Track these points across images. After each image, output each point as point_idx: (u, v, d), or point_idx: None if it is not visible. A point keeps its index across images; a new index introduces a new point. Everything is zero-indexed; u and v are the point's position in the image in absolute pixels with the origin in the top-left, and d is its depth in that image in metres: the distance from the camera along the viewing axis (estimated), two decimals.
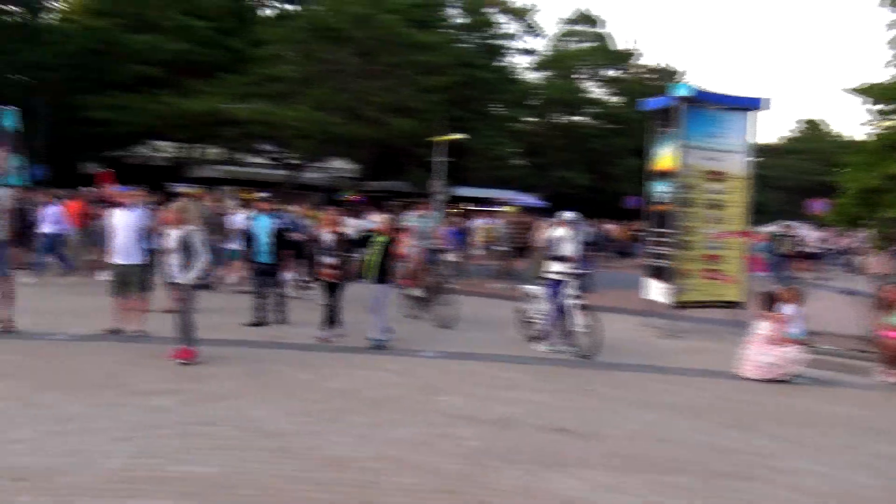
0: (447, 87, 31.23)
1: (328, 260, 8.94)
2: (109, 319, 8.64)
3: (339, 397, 6.46)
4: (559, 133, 44.57)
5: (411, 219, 11.52)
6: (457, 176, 36.40)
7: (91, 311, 9.65)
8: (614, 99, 47.37)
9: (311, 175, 33.99)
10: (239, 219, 13.06)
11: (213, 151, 34.75)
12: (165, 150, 35.37)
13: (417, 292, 11.04)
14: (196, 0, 32.98)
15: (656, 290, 11.43)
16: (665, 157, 11.29)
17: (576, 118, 45.09)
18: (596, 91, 47.23)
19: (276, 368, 7.42)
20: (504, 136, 37.95)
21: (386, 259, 8.85)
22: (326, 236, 9.10)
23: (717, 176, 11.25)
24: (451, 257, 11.95)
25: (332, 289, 9.01)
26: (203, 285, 12.59)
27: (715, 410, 6.89)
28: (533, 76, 46.02)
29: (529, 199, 38.81)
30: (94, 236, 13.62)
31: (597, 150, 43.51)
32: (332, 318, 8.98)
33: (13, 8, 34.85)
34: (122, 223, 8.47)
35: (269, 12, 37.58)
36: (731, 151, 11.39)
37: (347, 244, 9.05)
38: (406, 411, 6.16)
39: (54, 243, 13.66)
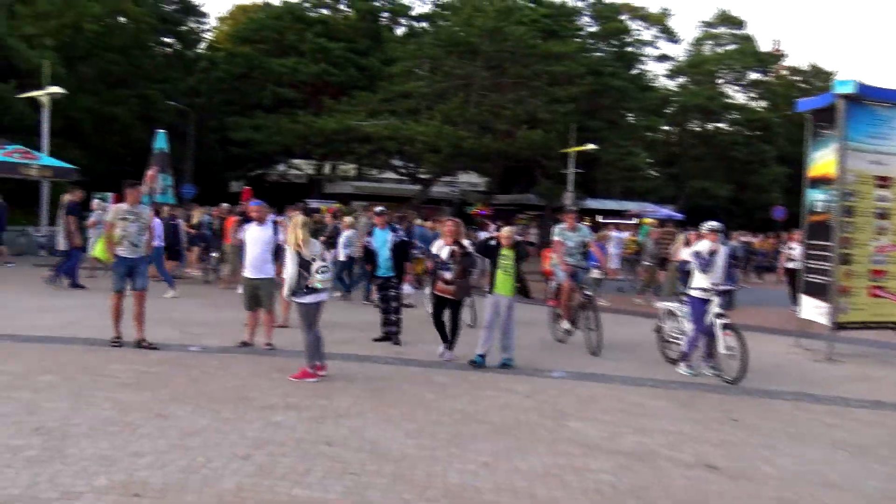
0: (578, 97, 30.57)
1: (445, 274, 8.51)
2: (243, 333, 8.85)
3: (462, 420, 6.15)
4: (697, 141, 42.59)
5: (557, 233, 10.19)
6: (587, 187, 35.55)
7: (228, 324, 9.98)
8: (757, 104, 44.74)
9: (440, 189, 34.26)
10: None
11: (346, 168, 35.82)
12: (302, 167, 36.88)
13: (566, 324, 10.02)
14: (332, 22, 34.32)
15: (813, 309, 10.35)
16: (823, 161, 10.23)
17: (715, 125, 42.88)
18: (737, 96, 44.79)
19: (399, 386, 7.23)
20: (637, 146, 36.69)
21: (516, 274, 8.46)
22: (443, 250, 8.72)
23: (885, 181, 10.06)
24: (596, 274, 10.97)
25: (449, 305, 8.63)
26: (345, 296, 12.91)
27: (890, 449, 5.99)
28: (669, 83, 44.34)
29: (665, 211, 37.37)
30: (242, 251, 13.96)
31: (738, 158, 41.23)
32: (450, 336, 8.65)
33: (171, 41, 37.82)
34: (253, 238, 8.62)
35: (400, 31, 38.44)
36: None
37: (466, 257, 8.63)
38: (533, 438, 5.75)
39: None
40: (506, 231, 8.81)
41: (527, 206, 36.35)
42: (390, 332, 9.60)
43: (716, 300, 8.33)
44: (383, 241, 9.46)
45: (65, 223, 13.61)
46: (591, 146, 27.81)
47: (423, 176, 32.71)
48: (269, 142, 31.02)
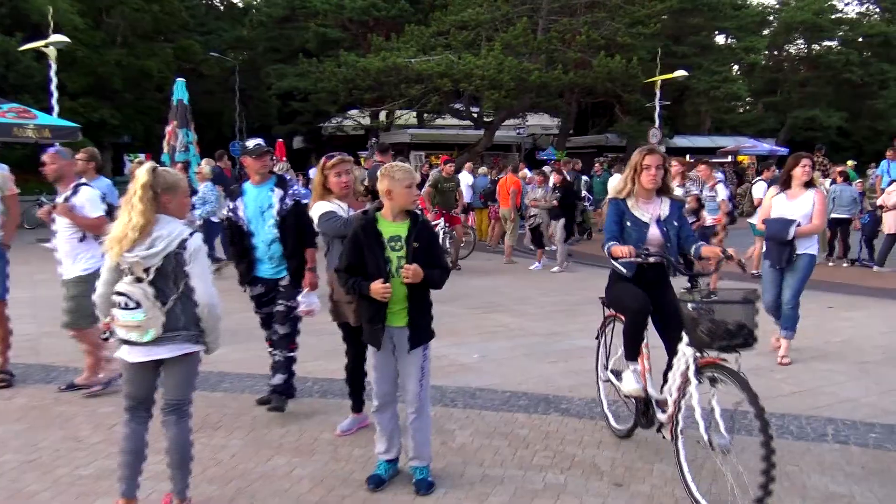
0: (663, 17, 26.26)
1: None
2: None
3: None
4: (801, 65, 37.36)
5: None
6: (672, 123, 31.41)
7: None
8: (874, 17, 38.90)
9: (507, 134, 30.75)
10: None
11: (401, 114, 32.81)
12: (357, 118, 34.13)
13: None
14: None
15: None
16: None
17: (824, 44, 37.48)
18: (849, 10, 39.03)
19: (488, 461, 4.07)
20: (732, 73, 32.04)
21: (425, 281, 3.52)
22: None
23: None
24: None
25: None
26: None
27: None
28: None
29: (765, 146, 32.88)
30: None
31: (851, 81, 35.90)
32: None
33: None
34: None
35: None
36: None
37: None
38: None
39: None
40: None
41: (606, 148, 32.40)
42: (275, 388, 4.72)
43: None
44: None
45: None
46: (681, 72, 23.67)
47: (486, 120, 29.26)
48: (314, 90, 28.16)
